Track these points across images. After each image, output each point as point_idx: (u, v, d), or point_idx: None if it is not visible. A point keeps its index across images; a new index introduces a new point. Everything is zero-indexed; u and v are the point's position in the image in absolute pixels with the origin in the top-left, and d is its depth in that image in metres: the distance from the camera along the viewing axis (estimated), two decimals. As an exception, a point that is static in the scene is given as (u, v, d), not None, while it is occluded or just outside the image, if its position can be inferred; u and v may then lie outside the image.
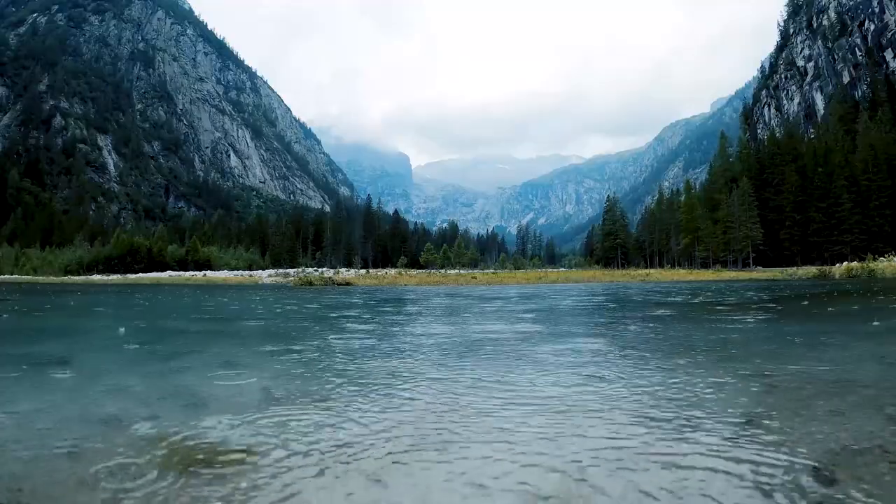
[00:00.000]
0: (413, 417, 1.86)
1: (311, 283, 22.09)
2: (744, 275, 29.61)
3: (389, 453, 1.48)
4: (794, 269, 33.54)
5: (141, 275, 42.34)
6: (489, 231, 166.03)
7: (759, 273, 31.70)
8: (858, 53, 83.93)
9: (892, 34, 78.35)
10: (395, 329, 5.19)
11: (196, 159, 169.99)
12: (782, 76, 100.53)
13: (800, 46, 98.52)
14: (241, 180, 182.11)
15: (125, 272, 48.81)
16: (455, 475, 1.32)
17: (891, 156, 48.75)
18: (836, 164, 50.71)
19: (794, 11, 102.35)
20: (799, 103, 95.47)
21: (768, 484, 1.22)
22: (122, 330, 5.10)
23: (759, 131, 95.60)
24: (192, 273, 42.66)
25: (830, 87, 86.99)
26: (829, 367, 2.69)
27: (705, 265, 53.98)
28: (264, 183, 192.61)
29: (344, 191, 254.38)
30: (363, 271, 42.54)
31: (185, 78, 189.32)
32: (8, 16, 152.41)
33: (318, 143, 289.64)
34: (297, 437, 1.61)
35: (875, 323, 4.66)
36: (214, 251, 66.50)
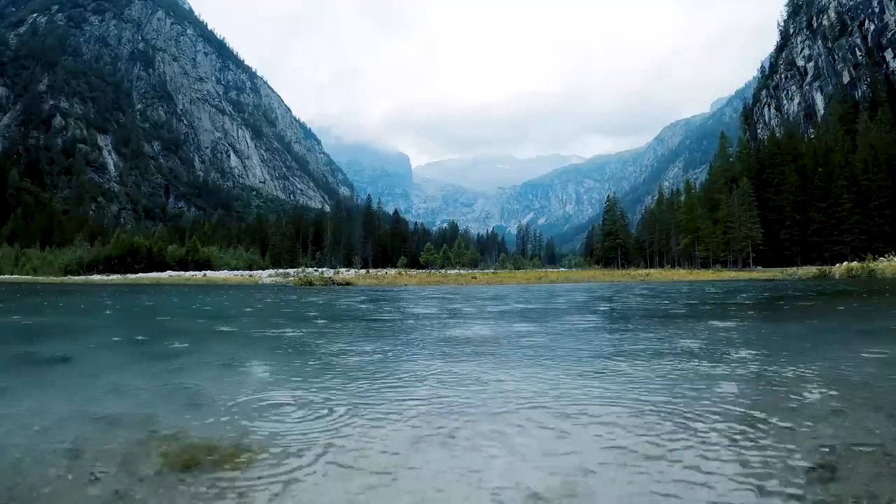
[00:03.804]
0: (413, 417, 1.86)
1: (311, 284, 22.09)
2: (744, 275, 29.61)
3: (391, 453, 1.48)
4: (794, 269, 33.53)
5: (141, 275, 42.34)
6: (489, 231, 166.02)
7: (759, 273, 31.71)
8: (858, 53, 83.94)
9: (892, 34, 78.35)
10: (394, 329, 5.19)
11: (196, 159, 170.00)
12: (782, 76, 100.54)
13: (800, 46, 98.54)
14: (241, 180, 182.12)
15: (125, 272, 48.80)
16: (456, 475, 1.32)
17: (891, 156, 48.75)
18: (836, 164, 50.72)
19: (794, 11, 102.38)
20: (799, 103, 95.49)
21: (768, 483, 1.22)
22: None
23: (759, 131, 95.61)
24: (192, 273, 42.64)
25: (830, 87, 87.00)
26: (829, 366, 2.69)
27: (705, 265, 53.98)
28: (264, 183, 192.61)
29: (344, 191, 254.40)
30: (363, 271, 42.54)
31: (185, 78, 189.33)
32: (8, 16, 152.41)
33: (318, 143, 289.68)
34: (298, 437, 1.61)
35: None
36: (214, 251, 66.48)
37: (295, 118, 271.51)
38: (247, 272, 44.96)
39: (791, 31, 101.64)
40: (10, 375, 2.85)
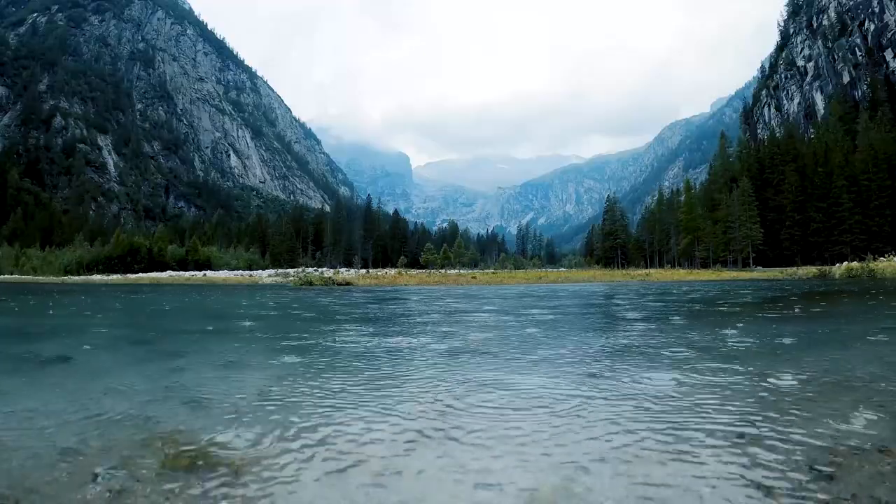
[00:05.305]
0: (414, 418, 1.86)
1: (310, 283, 22.08)
2: (744, 275, 29.61)
3: (390, 453, 1.47)
4: (794, 269, 33.52)
5: (141, 275, 42.33)
6: (489, 231, 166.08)
7: (759, 273, 31.70)
8: (858, 53, 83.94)
9: (892, 34, 78.35)
10: (394, 329, 5.19)
11: (196, 159, 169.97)
12: (782, 76, 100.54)
13: (800, 46, 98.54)
14: (241, 180, 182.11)
15: (125, 272, 48.80)
16: (456, 476, 1.32)
17: (891, 156, 48.75)
18: (836, 164, 50.71)
19: (794, 11, 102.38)
20: (799, 103, 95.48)
21: (768, 484, 1.22)
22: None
23: (759, 131, 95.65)
24: (192, 273, 42.65)
25: (830, 87, 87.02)
26: (829, 367, 2.69)
27: (705, 265, 53.96)
28: (264, 183, 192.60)
29: (344, 191, 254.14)
30: (363, 271, 42.53)
31: (185, 78, 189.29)
32: (8, 16, 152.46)
33: (318, 143, 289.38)
34: (297, 437, 1.62)
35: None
36: (214, 251, 66.50)
37: (295, 118, 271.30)
38: (247, 272, 44.95)
39: (791, 31, 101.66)
40: (10, 375, 2.84)
